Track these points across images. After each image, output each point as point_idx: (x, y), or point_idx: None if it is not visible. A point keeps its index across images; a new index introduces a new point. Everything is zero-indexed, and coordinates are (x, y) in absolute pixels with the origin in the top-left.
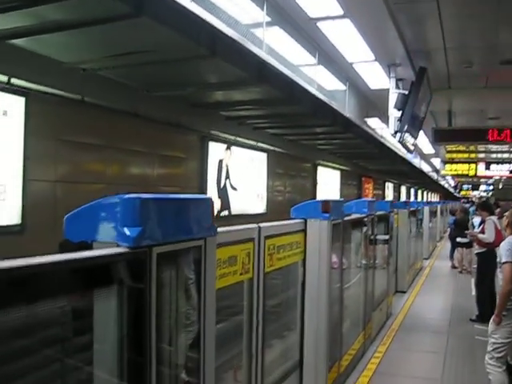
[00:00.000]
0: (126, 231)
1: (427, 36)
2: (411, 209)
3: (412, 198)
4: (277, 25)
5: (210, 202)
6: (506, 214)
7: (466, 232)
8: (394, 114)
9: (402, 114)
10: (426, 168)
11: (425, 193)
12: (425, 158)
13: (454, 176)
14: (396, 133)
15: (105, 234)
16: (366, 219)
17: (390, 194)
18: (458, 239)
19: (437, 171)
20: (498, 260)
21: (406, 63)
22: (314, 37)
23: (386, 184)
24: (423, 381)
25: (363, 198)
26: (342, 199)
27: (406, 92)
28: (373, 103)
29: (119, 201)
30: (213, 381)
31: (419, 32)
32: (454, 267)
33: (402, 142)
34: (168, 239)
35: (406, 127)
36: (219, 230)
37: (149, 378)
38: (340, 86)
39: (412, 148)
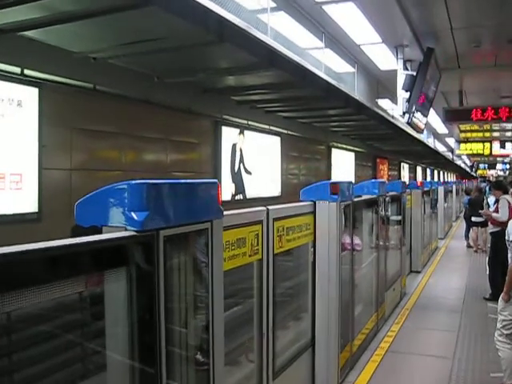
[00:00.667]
0: (134, 215)
1: (433, 17)
2: (425, 189)
3: (428, 179)
4: (282, 10)
5: (215, 185)
6: None
7: (481, 211)
8: (402, 95)
9: (410, 95)
10: (440, 148)
11: (441, 173)
12: (439, 137)
13: (469, 155)
14: (404, 114)
15: (113, 218)
16: (377, 200)
17: (405, 175)
18: (473, 218)
19: (451, 151)
20: (506, 238)
21: (413, 44)
22: (320, 20)
23: (402, 165)
24: (435, 359)
25: (374, 180)
26: (351, 180)
27: (414, 73)
28: (383, 84)
29: (127, 186)
30: (222, 361)
31: (425, 13)
32: (469, 246)
33: (411, 123)
34: (174, 222)
35: (414, 108)
36: (227, 212)
37: (158, 358)
38: (349, 68)
39: (422, 128)
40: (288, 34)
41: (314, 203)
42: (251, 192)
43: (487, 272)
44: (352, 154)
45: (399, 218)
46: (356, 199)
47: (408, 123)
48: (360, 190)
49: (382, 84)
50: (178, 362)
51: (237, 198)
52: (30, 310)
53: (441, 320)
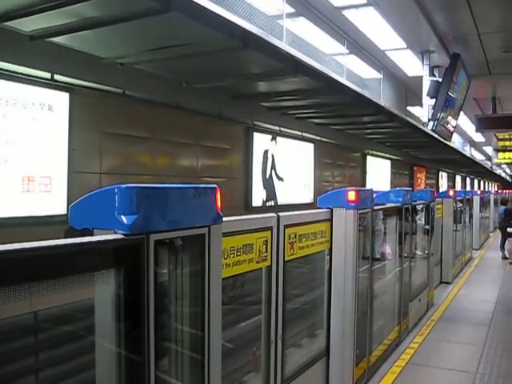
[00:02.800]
0: (123, 219)
1: (458, 21)
2: (457, 198)
3: (468, 188)
4: (302, 15)
5: (214, 190)
6: None
7: None
8: (428, 101)
9: (435, 102)
10: (478, 157)
11: (481, 182)
12: (476, 146)
13: (508, 164)
14: (429, 121)
15: (104, 221)
16: (401, 209)
17: (443, 184)
18: (509, 229)
19: (490, 159)
20: None
21: (440, 50)
22: (341, 26)
23: (440, 173)
24: (457, 373)
25: (398, 188)
26: (370, 188)
27: (440, 79)
28: (412, 91)
29: (117, 190)
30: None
31: (450, 18)
32: (504, 258)
33: (436, 130)
34: (167, 227)
35: (439, 115)
36: (232, 218)
37: (147, 364)
38: (376, 74)
39: (449, 136)
40: (312, 40)
41: (331, 210)
42: (283, 198)
43: None
44: (388, 162)
45: (427, 227)
46: (377, 207)
47: (433, 130)
48: (383, 198)
49: (411, 91)
50: (168, 368)
51: (268, 204)
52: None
53: (467, 333)
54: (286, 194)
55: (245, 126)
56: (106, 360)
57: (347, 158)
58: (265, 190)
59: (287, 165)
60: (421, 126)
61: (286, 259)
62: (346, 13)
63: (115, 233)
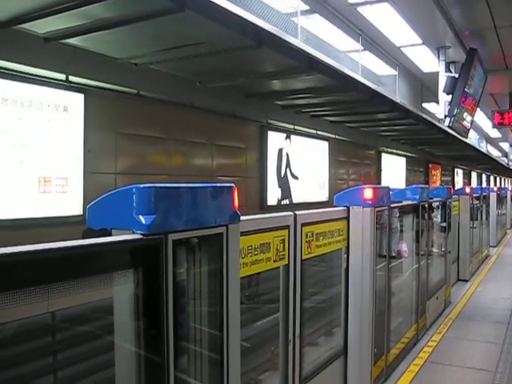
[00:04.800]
0: (141, 219)
1: (475, 16)
2: (474, 195)
3: (484, 185)
4: (316, 12)
5: (231, 189)
6: None
7: None
8: (444, 98)
9: (451, 98)
10: (495, 153)
11: (497, 179)
12: (492, 142)
13: None
14: (446, 117)
15: (122, 221)
16: (418, 206)
17: (459, 181)
18: None
19: (506, 156)
20: None
21: (456, 45)
22: (355, 22)
23: (455, 170)
24: (476, 371)
25: (415, 185)
26: (387, 186)
27: (457, 75)
28: (428, 87)
29: (135, 190)
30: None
31: (466, 12)
32: None
33: (453, 127)
34: (184, 226)
35: (455, 111)
36: (250, 217)
37: (166, 363)
38: (391, 71)
39: (467, 132)
40: (326, 37)
41: (348, 209)
42: (298, 197)
43: None
44: (403, 159)
45: (444, 224)
46: (394, 205)
47: (449, 127)
48: (400, 195)
49: (426, 87)
50: (187, 368)
51: (283, 202)
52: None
53: (485, 331)
54: (300, 193)
55: (259, 125)
56: (126, 360)
57: (362, 155)
58: (280, 189)
59: (302, 163)
60: (436, 123)
61: (303, 258)
62: (360, 9)
63: (133, 233)
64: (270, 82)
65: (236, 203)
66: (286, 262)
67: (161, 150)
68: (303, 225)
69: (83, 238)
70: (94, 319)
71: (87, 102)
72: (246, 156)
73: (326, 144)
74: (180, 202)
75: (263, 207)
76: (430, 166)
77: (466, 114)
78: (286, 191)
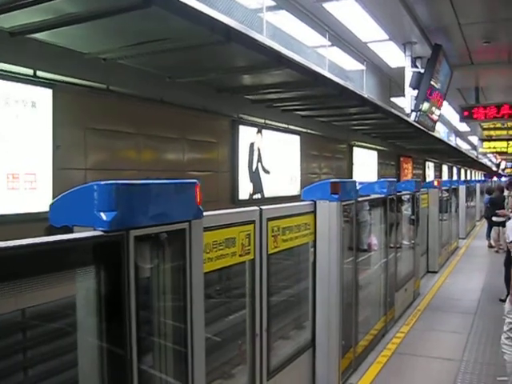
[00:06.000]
0: (102, 215)
1: (439, 13)
2: (443, 188)
3: (455, 177)
4: (283, 8)
5: (193, 185)
6: None
7: (497, 211)
8: (410, 92)
9: (417, 93)
10: (464, 146)
11: (468, 172)
12: (461, 135)
13: (493, 153)
14: (412, 112)
15: (83, 218)
16: (385, 200)
17: (430, 174)
18: (494, 218)
19: (475, 149)
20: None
21: (422, 41)
22: (322, 18)
23: (427, 163)
24: (442, 361)
25: (382, 179)
26: (354, 180)
27: (423, 70)
28: (396, 82)
29: (96, 187)
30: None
31: (430, 9)
32: (490, 246)
33: (419, 121)
34: (146, 223)
35: (421, 106)
36: (214, 212)
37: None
38: (359, 66)
39: (433, 126)
40: (294, 33)
41: (315, 203)
42: (270, 191)
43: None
44: (375, 153)
45: (413, 217)
46: (361, 199)
47: (415, 121)
48: (368, 189)
49: (395, 82)
50: (152, 363)
51: (255, 197)
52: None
53: (453, 321)
54: (272, 187)
55: (230, 120)
56: (89, 358)
57: (334, 149)
58: (251, 183)
59: (273, 157)
60: (405, 117)
61: (269, 252)
62: (326, 5)
63: (95, 230)
64: (240, 77)
65: (199, 199)
66: (252, 257)
67: (131, 146)
68: (269, 219)
69: (45, 235)
70: (56, 317)
71: (55, 98)
72: (218, 151)
73: (297, 138)
74: (141, 198)
75: (235, 202)
76: (402, 159)
77: (433, 108)
78: (257, 185)
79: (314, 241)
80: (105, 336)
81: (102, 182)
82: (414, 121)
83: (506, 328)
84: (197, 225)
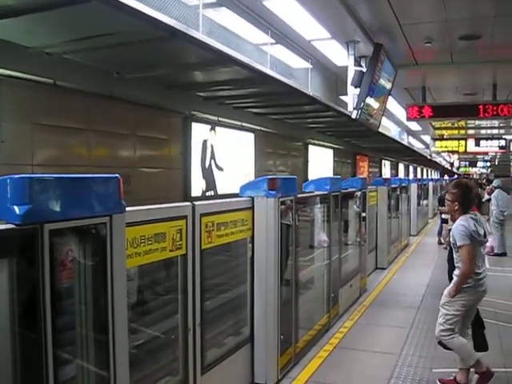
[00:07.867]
0: (15, 209)
1: (380, 13)
2: (392, 186)
3: (411, 176)
4: (223, 5)
5: (115, 180)
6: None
7: (439, 208)
8: (353, 91)
9: (359, 92)
10: (418, 145)
11: (424, 170)
12: (414, 134)
13: (447, 152)
14: (354, 109)
15: None
16: (328, 196)
17: (386, 172)
18: (443, 215)
19: (428, 148)
20: (451, 240)
21: (365, 40)
22: (264, 16)
23: (383, 162)
24: (382, 355)
25: (326, 177)
26: (293, 177)
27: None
28: (343, 81)
29: (9, 181)
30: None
31: (371, 9)
32: (440, 243)
33: (360, 120)
34: (62, 216)
35: (362, 104)
36: (141, 207)
37: (44, 354)
38: (305, 64)
39: (376, 125)
40: (237, 31)
41: (253, 199)
42: (223, 188)
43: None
44: (330, 151)
45: (361, 214)
46: (301, 195)
47: (356, 119)
48: (311, 186)
49: (341, 80)
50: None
51: (208, 194)
52: None
53: (396, 316)
54: (226, 184)
55: (182, 116)
56: (2, 355)
57: (289, 147)
58: (204, 180)
59: (227, 155)
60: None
61: (203, 247)
62: (266, 3)
63: (7, 223)
64: (191, 74)
65: (121, 193)
66: (184, 252)
67: (80, 141)
68: (202, 215)
69: None
70: None
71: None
72: (170, 147)
73: (251, 136)
74: (58, 192)
75: (187, 198)
76: (358, 157)
77: (375, 106)
78: (210, 182)
79: (252, 236)
80: (17, 336)
81: (16, 176)
82: (356, 119)
83: (441, 320)
84: (118, 219)
